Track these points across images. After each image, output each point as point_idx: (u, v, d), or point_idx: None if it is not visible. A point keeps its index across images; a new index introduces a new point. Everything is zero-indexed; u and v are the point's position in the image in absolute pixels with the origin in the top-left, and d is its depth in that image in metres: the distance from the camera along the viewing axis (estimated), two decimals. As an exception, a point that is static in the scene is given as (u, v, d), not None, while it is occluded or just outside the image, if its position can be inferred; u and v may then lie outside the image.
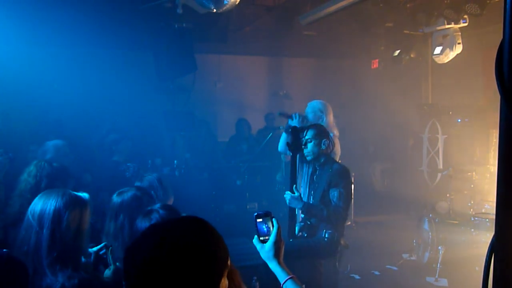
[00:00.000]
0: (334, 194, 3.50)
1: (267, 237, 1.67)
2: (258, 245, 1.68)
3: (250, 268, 3.68)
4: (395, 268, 5.14)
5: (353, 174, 6.24)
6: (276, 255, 1.65)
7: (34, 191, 2.68)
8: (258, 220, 1.70)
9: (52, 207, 1.91)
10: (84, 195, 2.07)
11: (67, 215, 1.91)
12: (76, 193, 2.04)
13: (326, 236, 3.52)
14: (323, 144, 3.60)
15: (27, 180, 2.80)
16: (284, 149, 4.51)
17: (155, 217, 1.99)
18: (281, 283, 1.61)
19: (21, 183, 2.82)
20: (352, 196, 6.15)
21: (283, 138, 4.49)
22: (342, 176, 3.54)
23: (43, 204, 1.93)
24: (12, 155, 3.50)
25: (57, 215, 1.90)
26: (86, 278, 1.89)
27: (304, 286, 1.62)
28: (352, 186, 6.12)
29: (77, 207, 1.97)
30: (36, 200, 1.98)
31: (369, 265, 5.13)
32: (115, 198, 2.47)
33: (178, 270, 1.06)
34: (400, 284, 4.80)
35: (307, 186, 3.81)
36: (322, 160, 3.65)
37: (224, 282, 1.15)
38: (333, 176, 3.55)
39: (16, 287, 1.57)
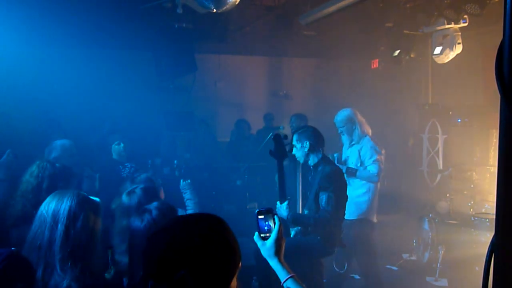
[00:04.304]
0: (322, 198, 3.48)
1: (268, 234, 1.67)
2: (259, 242, 1.67)
3: (250, 268, 3.67)
4: (395, 268, 5.14)
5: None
6: (277, 253, 1.65)
7: (36, 192, 2.68)
8: (260, 216, 1.69)
9: (67, 206, 1.92)
10: (96, 199, 2.09)
11: (82, 216, 1.93)
12: (89, 196, 2.06)
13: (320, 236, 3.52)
14: (305, 147, 3.63)
15: (29, 181, 2.76)
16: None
17: (146, 218, 1.97)
18: (282, 282, 1.61)
19: (23, 184, 2.78)
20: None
21: None
22: (331, 179, 3.51)
23: (57, 202, 1.94)
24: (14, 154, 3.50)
25: (73, 213, 1.91)
26: (91, 284, 1.88)
27: (304, 285, 1.62)
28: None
29: (91, 209, 1.98)
30: (49, 199, 1.98)
31: (369, 265, 5.12)
32: (126, 197, 2.45)
33: (193, 259, 1.08)
34: (400, 284, 4.80)
35: (304, 187, 3.82)
36: (315, 161, 3.65)
37: (234, 282, 1.18)
38: (323, 179, 3.53)
39: (23, 285, 1.58)
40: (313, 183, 3.65)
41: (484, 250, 0.95)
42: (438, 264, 4.75)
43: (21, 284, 1.58)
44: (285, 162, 5.70)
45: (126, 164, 4.48)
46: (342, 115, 4.60)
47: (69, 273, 1.82)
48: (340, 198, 3.55)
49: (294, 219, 3.50)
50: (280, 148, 3.51)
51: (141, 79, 7.05)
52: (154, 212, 2.00)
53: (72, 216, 1.90)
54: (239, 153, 7.21)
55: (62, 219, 1.89)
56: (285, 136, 3.63)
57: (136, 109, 6.78)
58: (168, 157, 6.51)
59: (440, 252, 4.78)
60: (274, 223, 1.68)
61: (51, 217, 1.90)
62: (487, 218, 4.63)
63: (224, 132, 7.96)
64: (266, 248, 1.66)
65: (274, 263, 1.65)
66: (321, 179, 3.55)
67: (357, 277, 4.87)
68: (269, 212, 1.70)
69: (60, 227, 1.87)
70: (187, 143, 7.15)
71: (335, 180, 3.52)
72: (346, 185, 3.68)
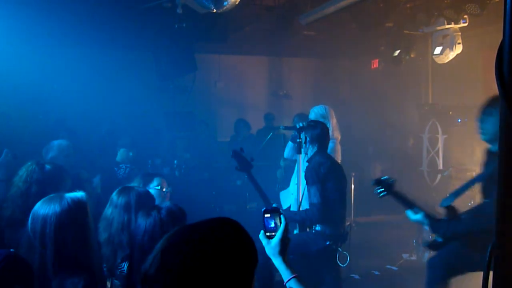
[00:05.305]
0: (310, 192, 3.46)
1: (273, 233, 1.67)
2: (264, 241, 1.67)
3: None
4: (395, 268, 5.14)
5: (353, 174, 6.26)
6: (282, 252, 1.65)
7: (25, 198, 2.64)
8: (266, 215, 1.69)
9: (53, 226, 1.84)
10: (81, 194, 2.01)
11: (70, 228, 1.87)
12: (72, 195, 1.97)
13: (316, 228, 3.52)
14: (301, 140, 3.69)
15: (18, 185, 2.72)
16: (290, 156, 4.59)
17: (154, 215, 1.94)
18: (285, 282, 1.62)
19: (13, 187, 2.75)
20: (352, 194, 6.19)
21: (289, 147, 4.55)
22: (314, 171, 3.47)
23: (42, 221, 1.86)
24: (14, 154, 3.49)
25: (59, 231, 1.85)
26: (90, 284, 1.87)
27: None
28: (353, 186, 6.17)
29: (79, 214, 1.92)
30: (33, 216, 1.90)
31: (369, 265, 5.12)
32: (126, 193, 2.43)
33: (217, 270, 1.07)
34: (400, 284, 4.80)
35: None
36: (310, 155, 3.65)
37: (253, 280, 1.18)
38: (307, 172, 3.52)
39: (22, 286, 1.58)
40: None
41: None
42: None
43: (19, 285, 1.57)
44: (285, 162, 5.73)
45: (121, 165, 4.45)
46: (315, 110, 4.47)
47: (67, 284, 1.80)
48: (330, 190, 3.48)
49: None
50: (242, 162, 3.55)
51: (141, 79, 7.05)
52: (163, 212, 1.95)
53: (60, 236, 1.84)
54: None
55: (49, 243, 1.83)
56: (241, 149, 3.65)
57: (136, 109, 6.79)
58: (168, 157, 6.51)
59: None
60: (280, 222, 1.68)
61: (39, 241, 1.84)
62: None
63: (224, 132, 7.96)
64: (271, 247, 1.66)
65: (278, 262, 1.65)
66: (306, 173, 3.55)
67: (357, 277, 4.87)
68: (276, 211, 1.70)
69: (49, 252, 1.82)
70: (187, 143, 7.15)
71: (318, 172, 3.45)
72: (339, 176, 3.60)
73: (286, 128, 4.24)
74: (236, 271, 1.11)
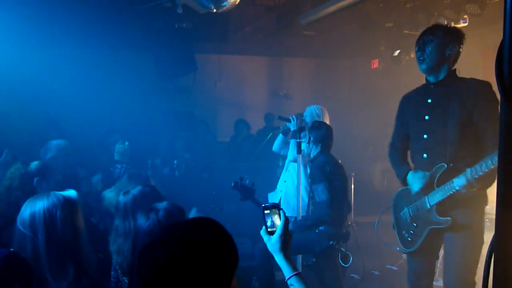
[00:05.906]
0: (316, 191, 3.46)
1: (274, 229, 1.66)
2: (265, 237, 1.67)
3: (250, 268, 3.68)
4: (395, 268, 5.14)
5: (353, 174, 6.26)
6: (283, 248, 1.64)
7: (9, 192, 2.73)
8: (266, 211, 1.69)
9: (42, 211, 1.86)
10: (72, 192, 2.02)
11: (59, 215, 1.87)
12: (62, 192, 1.99)
13: (320, 228, 3.52)
14: (305, 139, 3.70)
15: (3, 183, 2.81)
16: (278, 149, 4.61)
17: (152, 217, 1.93)
18: (286, 278, 1.61)
19: (0, 186, 2.83)
20: (352, 195, 6.19)
21: (279, 139, 4.56)
22: (320, 169, 3.48)
23: (31, 210, 1.87)
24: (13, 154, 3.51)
25: (49, 217, 1.85)
26: (89, 285, 1.87)
27: (308, 284, 1.61)
28: (353, 186, 6.17)
29: (66, 206, 1.92)
30: (22, 208, 1.92)
31: (369, 265, 5.12)
32: (121, 197, 2.42)
33: (194, 270, 1.09)
34: (400, 284, 4.79)
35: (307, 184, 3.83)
36: (313, 155, 3.67)
37: (234, 281, 1.18)
38: (313, 170, 3.52)
39: (21, 286, 1.58)
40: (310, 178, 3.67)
41: (484, 250, 0.95)
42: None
43: (19, 285, 1.57)
44: (283, 161, 5.73)
45: (116, 165, 4.45)
46: (311, 109, 4.43)
47: (63, 281, 1.79)
48: (336, 187, 3.49)
49: (294, 228, 3.47)
50: (244, 190, 3.56)
51: (141, 79, 7.05)
52: (161, 213, 1.93)
53: (49, 221, 1.84)
54: (239, 153, 7.21)
55: (41, 228, 1.83)
56: (241, 178, 3.64)
57: (136, 109, 6.79)
58: (168, 157, 6.51)
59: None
60: (280, 219, 1.68)
61: (29, 229, 1.84)
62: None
63: (224, 132, 7.97)
64: (271, 243, 1.65)
65: (279, 259, 1.64)
66: (311, 172, 3.55)
67: (357, 277, 4.88)
68: (275, 207, 1.70)
69: (41, 237, 1.82)
70: (187, 143, 7.15)
71: (324, 170, 3.47)
72: (342, 176, 3.61)
73: (281, 118, 4.25)
74: (214, 271, 1.11)
